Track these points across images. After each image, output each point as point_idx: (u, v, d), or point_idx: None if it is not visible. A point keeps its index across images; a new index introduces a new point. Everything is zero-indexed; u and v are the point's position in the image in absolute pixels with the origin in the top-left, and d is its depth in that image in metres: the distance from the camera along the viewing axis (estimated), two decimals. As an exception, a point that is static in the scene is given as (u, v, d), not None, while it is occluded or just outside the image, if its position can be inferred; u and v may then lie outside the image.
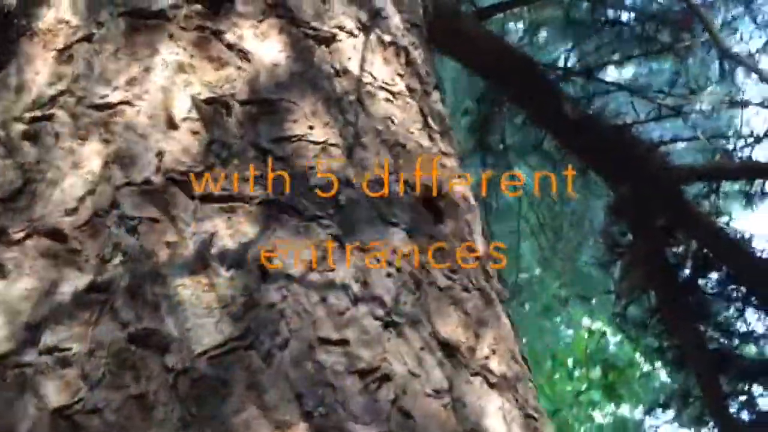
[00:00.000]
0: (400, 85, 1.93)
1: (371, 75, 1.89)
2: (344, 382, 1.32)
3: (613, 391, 11.68)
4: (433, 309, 1.51)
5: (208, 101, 1.67)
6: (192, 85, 1.69)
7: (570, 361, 12.03)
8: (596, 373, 11.95)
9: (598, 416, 12.10)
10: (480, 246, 1.83)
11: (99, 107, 1.68)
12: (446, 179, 1.83)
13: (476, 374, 1.47)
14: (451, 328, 1.51)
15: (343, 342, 1.37)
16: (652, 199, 3.69)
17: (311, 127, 1.69)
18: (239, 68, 1.74)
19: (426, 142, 1.86)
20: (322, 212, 1.55)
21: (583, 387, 11.86)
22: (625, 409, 11.83)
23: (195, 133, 1.62)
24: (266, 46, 1.80)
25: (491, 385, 1.48)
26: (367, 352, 1.37)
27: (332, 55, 1.86)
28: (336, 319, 1.40)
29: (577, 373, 12.20)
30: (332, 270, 1.47)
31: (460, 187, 1.89)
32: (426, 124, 1.92)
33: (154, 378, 1.32)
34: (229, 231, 1.49)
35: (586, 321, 11.67)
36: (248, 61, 1.76)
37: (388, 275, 1.51)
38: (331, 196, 1.58)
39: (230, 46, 1.77)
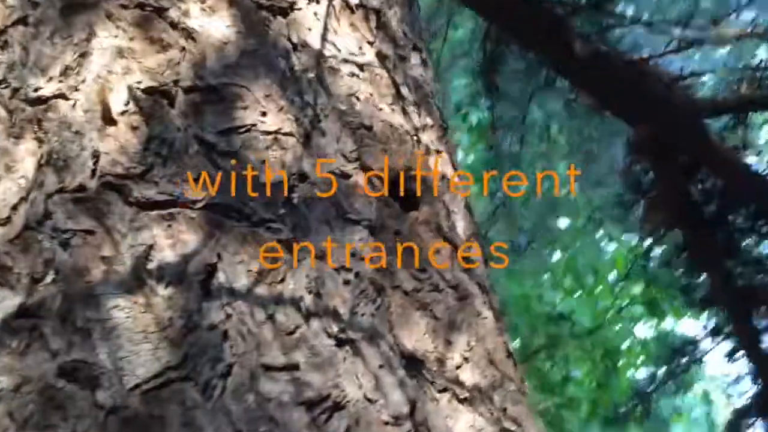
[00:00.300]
0: (368, 55, 1.76)
1: (334, 46, 1.72)
2: (290, 415, 1.19)
3: (655, 306, 11.54)
4: (397, 317, 1.37)
5: (149, 91, 1.51)
6: (131, 73, 1.54)
7: (611, 276, 11.87)
8: (638, 287, 11.80)
9: (641, 331, 12.00)
10: (460, 229, 1.68)
11: (33, 101, 1.54)
12: (420, 158, 1.68)
13: (444, 390, 1.34)
14: (417, 337, 1.37)
15: (291, 367, 1.24)
16: (674, 134, 3.48)
17: (264, 114, 1.53)
18: (183, 50, 1.58)
19: (397, 119, 1.69)
20: (273, 214, 1.40)
21: (625, 302, 11.72)
22: (668, 324, 11.71)
23: (134, 128, 1.47)
24: (214, 22, 1.63)
25: (461, 401, 1.34)
26: (317, 377, 1.24)
27: (290, 27, 1.69)
28: (284, 340, 1.27)
29: (618, 288, 12.05)
30: (282, 281, 1.33)
31: (438, 164, 1.73)
32: (399, 96, 1.75)
33: (83, 417, 1.20)
34: (169, 241, 1.35)
35: (627, 235, 11.45)
36: (194, 40, 1.60)
37: (346, 282, 1.37)
38: (283, 194, 1.44)
39: (174, 25, 1.61)
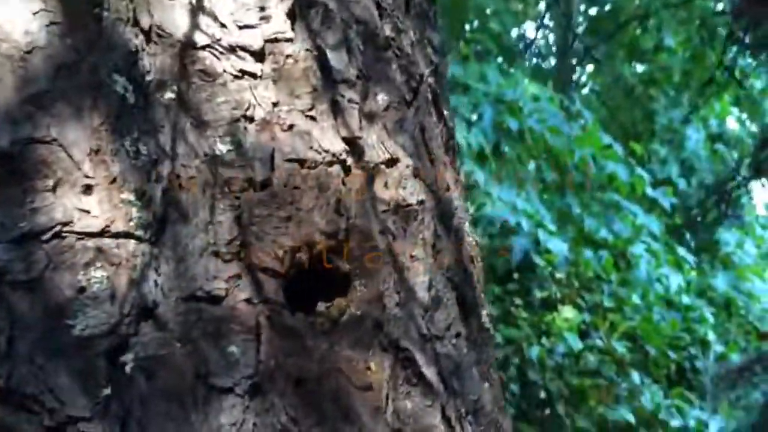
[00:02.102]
0: (274, 20, 1.11)
1: (214, 20, 1.08)
2: None
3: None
4: None
5: None
6: None
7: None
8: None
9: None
10: (422, 291, 1.14)
11: None
12: (353, 193, 1.10)
13: None
14: None
15: None
16: None
17: (87, 189, 0.97)
18: (-41, 77, 0.99)
19: (317, 137, 1.09)
20: (88, 402, 0.91)
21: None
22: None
23: None
24: (12, 7, 1.02)
25: None
26: None
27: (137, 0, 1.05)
28: None
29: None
30: None
31: (390, 187, 1.15)
32: (327, 81, 1.13)
33: None
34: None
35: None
36: (-24, 54, 1.00)
37: None
38: (108, 359, 0.93)
39: (-55, 24, 1.01)
